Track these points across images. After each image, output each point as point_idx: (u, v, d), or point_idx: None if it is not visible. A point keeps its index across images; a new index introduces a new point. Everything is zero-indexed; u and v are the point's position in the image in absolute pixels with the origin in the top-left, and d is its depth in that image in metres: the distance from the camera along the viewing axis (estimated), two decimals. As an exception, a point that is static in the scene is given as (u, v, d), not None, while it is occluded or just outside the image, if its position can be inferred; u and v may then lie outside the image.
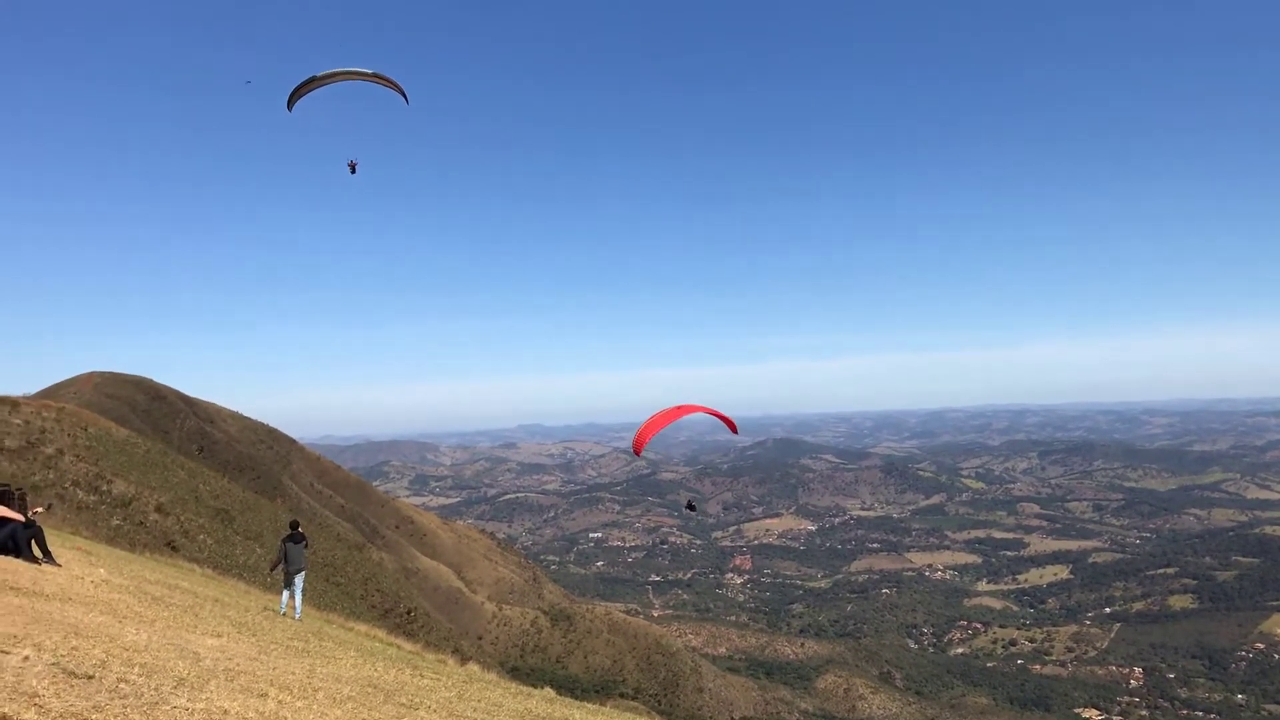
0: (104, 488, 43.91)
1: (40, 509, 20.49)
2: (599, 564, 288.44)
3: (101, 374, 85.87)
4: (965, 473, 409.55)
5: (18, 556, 17.58)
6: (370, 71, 28.34)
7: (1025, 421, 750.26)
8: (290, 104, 28.41)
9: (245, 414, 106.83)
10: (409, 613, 67.32)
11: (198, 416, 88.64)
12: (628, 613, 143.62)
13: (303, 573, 25.85)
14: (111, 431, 59.57)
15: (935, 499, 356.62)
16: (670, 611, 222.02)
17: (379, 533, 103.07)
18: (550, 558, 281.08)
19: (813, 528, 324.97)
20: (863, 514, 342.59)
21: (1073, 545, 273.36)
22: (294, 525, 27.40)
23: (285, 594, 25.80)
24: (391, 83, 28.75)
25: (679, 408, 30.63)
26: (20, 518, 18.17)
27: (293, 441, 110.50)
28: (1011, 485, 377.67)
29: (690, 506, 44.91)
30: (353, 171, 29.89)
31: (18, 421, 48.66)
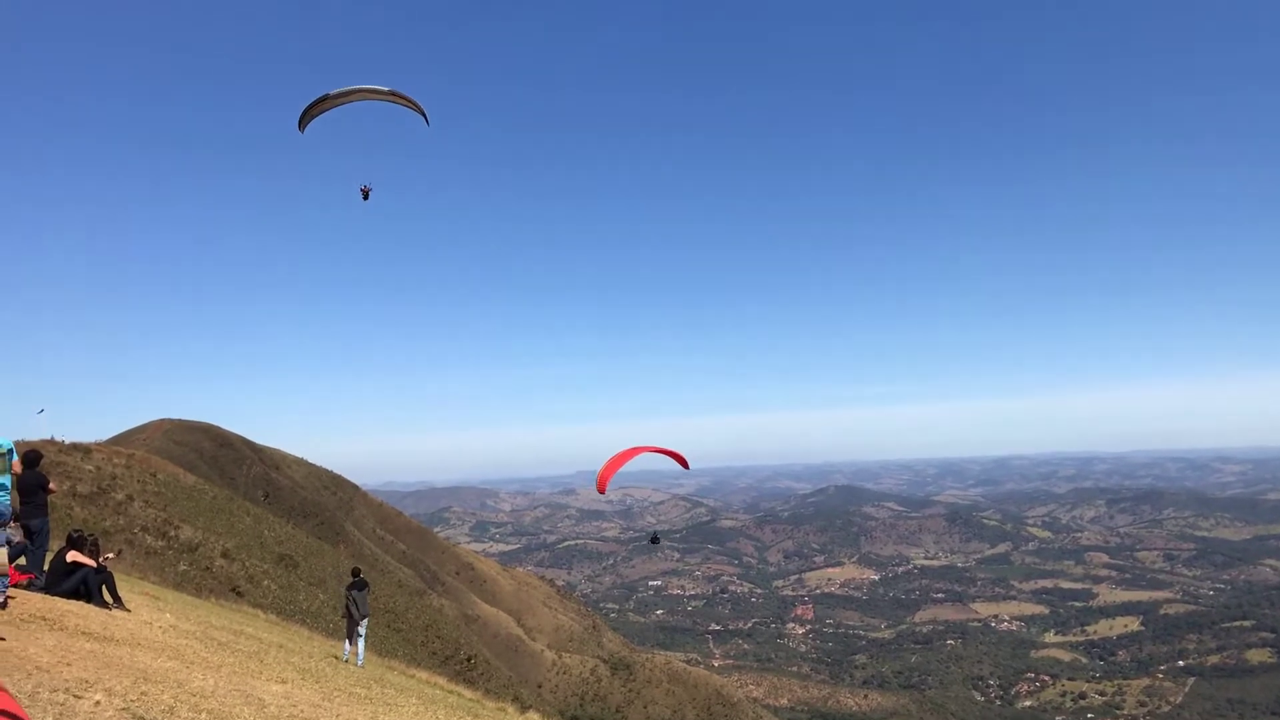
0: (172, 533, 44.57)
1: (111, 555, 20.87)
2: (658, 612, 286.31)
3: (171, 421, 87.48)
4: (1031, 521, 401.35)
5: (89, 601, 17.91)
6: (387, 90, 26.51)
7: (1092, 469, 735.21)
8: (302, 124, 26.70)
9: (310, 460, 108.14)
10: (469, 660, 67.28)
11: (263, 463, 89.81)
12: (688, 662, 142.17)
13: (366, 619, 26.05)
14: (180, 478, 60.61)
15: (1000, 548, 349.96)
16: (731, 661, 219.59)
17: (440, 579, 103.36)
18: (610, 605, 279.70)
19: (875, 577, 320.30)
20: (926, 563, 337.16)
21: (1143, 596, 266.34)
22: (356, 572, 27.63)
23: (347, 641, 26.00)
24: (411, 102, 26.91)
25: (634, 448, 31.58)
26: (92, 563, 18.53)
27: (356, 488, 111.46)
28: (1079, 534, 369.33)
29: (654, 539, 45.20)
30: (365, 198, 28.03)
31: (89, 468, 49.69)
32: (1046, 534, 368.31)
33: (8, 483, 14.24)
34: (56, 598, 17.30)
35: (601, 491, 31.57)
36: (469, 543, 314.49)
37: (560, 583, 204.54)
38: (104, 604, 18.19)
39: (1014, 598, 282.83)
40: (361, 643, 25.90)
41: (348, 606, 26.07)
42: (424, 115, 27.38)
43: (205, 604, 30.73)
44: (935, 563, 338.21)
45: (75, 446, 54.69)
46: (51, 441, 53.00)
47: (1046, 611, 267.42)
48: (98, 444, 62.47)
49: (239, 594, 40.50)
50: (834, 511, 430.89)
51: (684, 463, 32.97)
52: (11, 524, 16.11)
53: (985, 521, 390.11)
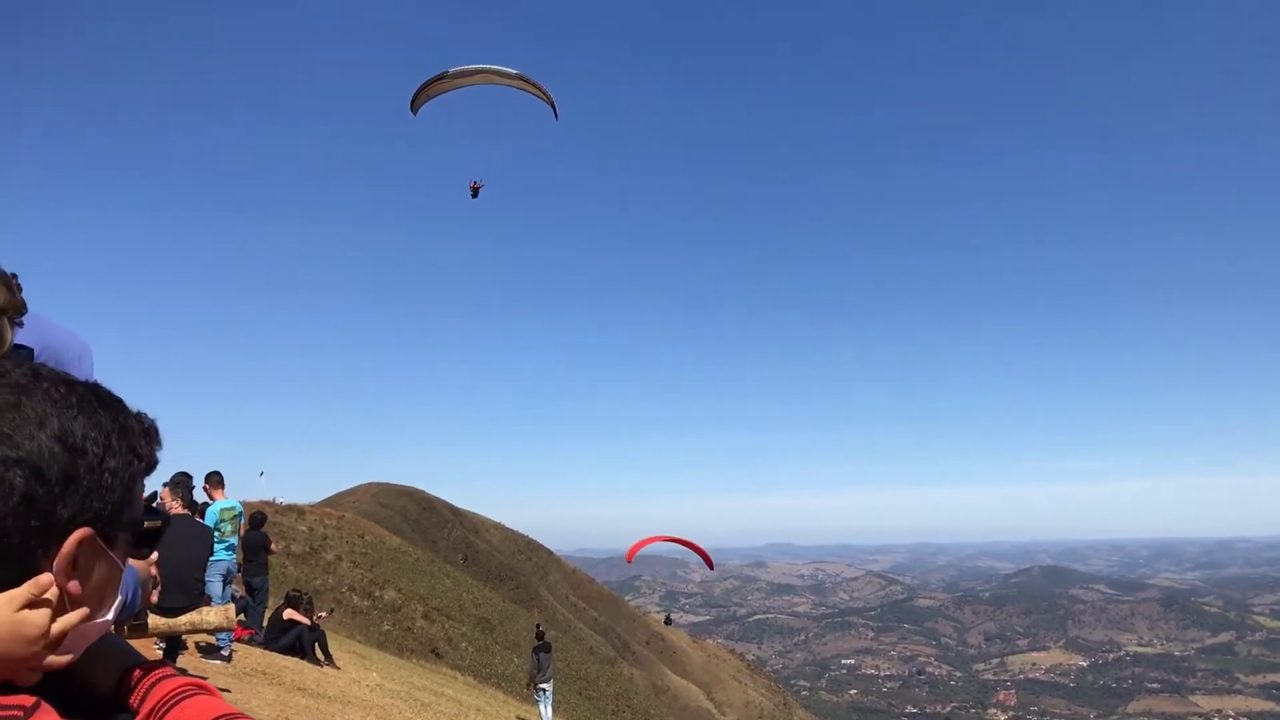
0: (376, 594, 46.31)
1: (323, 614, 21.93)
2: (852, 692, 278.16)
3: (378, 484, 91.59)
4: (1258, 609, 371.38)
5: (303, 658, 18.85)
6: (515, 73, 22.90)
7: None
8: (414, 105, 23.48)
9: (507, 525, 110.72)
10: (658, 732, 66.94)
11: (463, 527, 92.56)
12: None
13: (550, 682, 26.29)
14: (385, 539, 63.13)
15: (1223, 637, 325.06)
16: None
17: (630, 648, 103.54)
18: (801, 683, 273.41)
19: (1084, 663, 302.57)
20: (1140, 650, 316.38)
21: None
22: (540, 635, 27.90)
23: (540, 706, 26.30)
24: (540, 90, 23.44)
25: (666, 536, 34.28)
26: (307, 621, 19.53)
27: (550, 553, 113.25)
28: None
29: (667, 621, 44.63)
30: (474, 195, 24.91)
31: (303, 528, 52.40)
32: (1276, 624, 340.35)
33: (235, 542, 15.26)
34: (274, 653, 18.28)
35: (628, 560, 33.11)
36: (659, 612, 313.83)
37: (750, 657, 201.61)
38: (316, 661, 19.10)
39: (1240, 692, 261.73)
40: (550, 707, 26.18)
41: (531, 668, 26.42)
42: (553, 106, 23.97)
43: (407, 664, 31.76)
44: (1150, 650, 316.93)
45: (291, 508, 57.90)
46: (269, 503, 56.19)
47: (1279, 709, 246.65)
48: (311, 506, 65.95)
49: (438, 655, 41.66)
50: (1039, 593, 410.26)
51: (709, 562, 34.08)
52: (235, 581, 17.18)
53: (1205, 608, 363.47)
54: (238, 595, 18.51)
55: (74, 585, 1.70)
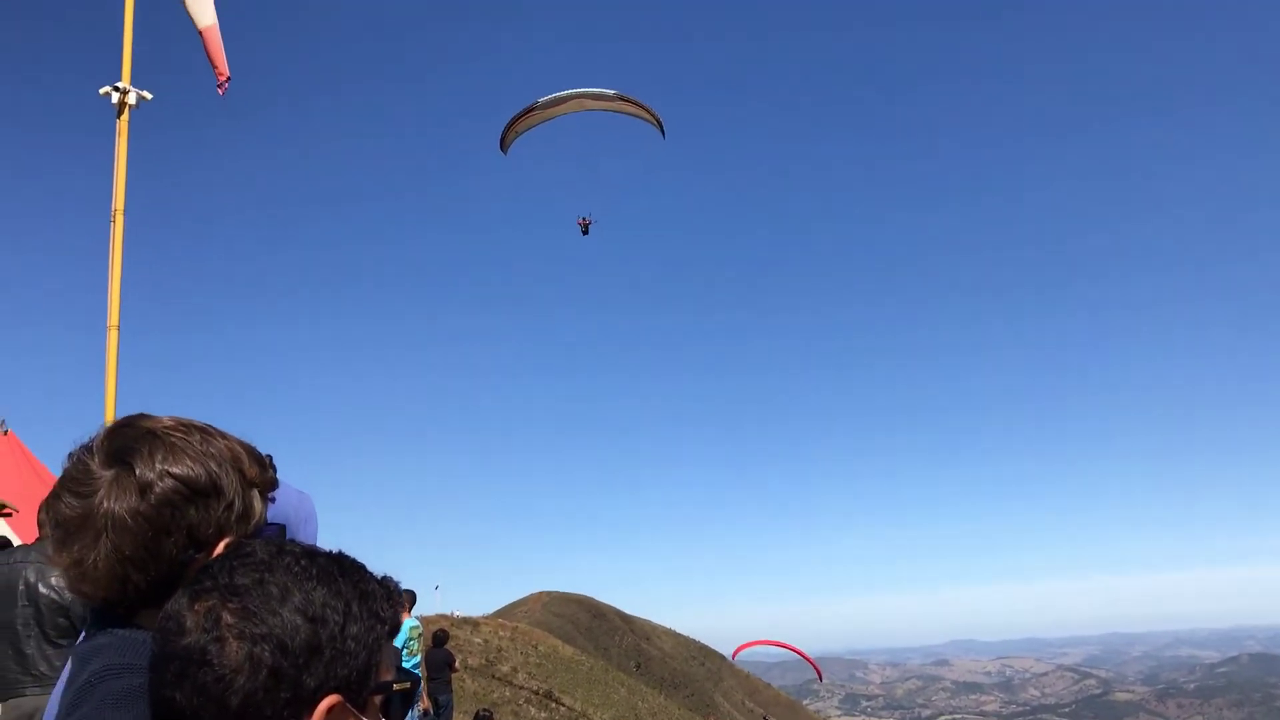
0: (553, 705, 46.47)
1: (505, 728, 22.24)
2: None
3: (548, 593, 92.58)
4: None
5: (487, 773, 19.14)
6: (614, 93, 20.87)
7: None
8: (504, 144, 21.83)
9: (678, 630, 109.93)
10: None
11: (634, 634, 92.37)
12: None
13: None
14: (559, 649, 63.48)
15: None
16: None
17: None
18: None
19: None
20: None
21: None
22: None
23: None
24: (644, 109, 21.29)
25: (778, 641, 39.26)
26: (489, 737, 19.87)
27: (723, 658, 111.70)
28: None
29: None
30: (585, 233, 23.72)
31: (478, 640, 53.20)
32: None
33: (420, 659, 15.74)
34: (460, 769, 18.62)
35: (732, 658, 36.12)
36: (839, 716, 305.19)
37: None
38: (501, 776, 19.36)
39: None
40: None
41: None
42: (660, 125, 21.85)
43: (587, 776, 31.72)
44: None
45: (465, 620, 58.96)
46: (445, 616, 57.34)
47: None
48: (485, 617, 67.01)
49: (617, 766, 41.44)
50: (1250, 683, 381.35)
51: (818, 671, 36.02)
52: (422, 699, 17.63)
53: None
54: (423, 712, 18.96)
55: None
